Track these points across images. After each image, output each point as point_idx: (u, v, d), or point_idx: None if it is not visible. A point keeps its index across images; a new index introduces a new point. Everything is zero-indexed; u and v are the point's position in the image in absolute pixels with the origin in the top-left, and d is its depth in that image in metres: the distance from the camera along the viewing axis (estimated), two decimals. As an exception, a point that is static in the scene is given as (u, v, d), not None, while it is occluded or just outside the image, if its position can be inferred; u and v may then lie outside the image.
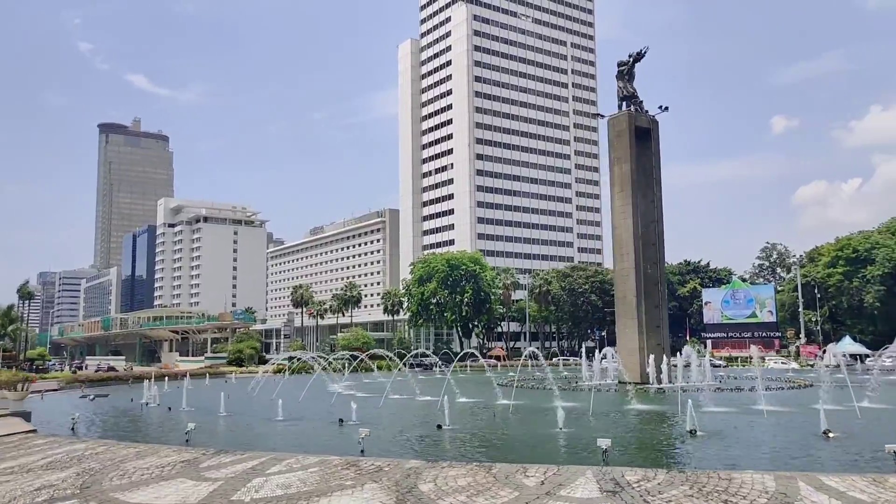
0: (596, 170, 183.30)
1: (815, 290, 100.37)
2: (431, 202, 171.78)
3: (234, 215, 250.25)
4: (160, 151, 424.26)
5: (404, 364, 45.56)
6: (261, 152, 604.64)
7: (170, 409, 30.16)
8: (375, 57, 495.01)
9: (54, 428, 23.31)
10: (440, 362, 55.53)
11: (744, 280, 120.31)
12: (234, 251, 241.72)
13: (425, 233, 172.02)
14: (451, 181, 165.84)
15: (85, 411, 27.47)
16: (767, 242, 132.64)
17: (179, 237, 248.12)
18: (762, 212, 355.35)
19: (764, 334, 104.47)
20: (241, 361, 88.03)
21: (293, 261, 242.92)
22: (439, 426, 21.66)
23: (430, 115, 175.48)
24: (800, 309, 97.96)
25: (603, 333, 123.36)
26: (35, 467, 15.49)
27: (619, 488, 11.63)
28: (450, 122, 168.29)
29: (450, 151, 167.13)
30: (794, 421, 24.16)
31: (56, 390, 46.50)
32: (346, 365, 52.47)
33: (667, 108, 46.72)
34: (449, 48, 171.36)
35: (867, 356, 78.92)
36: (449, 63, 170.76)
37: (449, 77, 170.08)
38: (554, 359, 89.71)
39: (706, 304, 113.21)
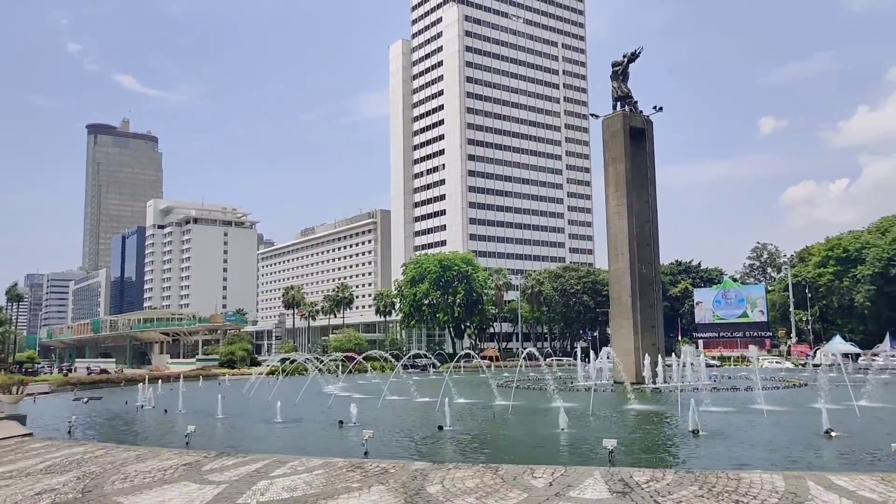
0: (587, 170, 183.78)
1: (806, 290, 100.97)
2: (423, 203, 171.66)
3: (224, 216, 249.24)
4: (149, 152, 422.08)
5: (402, 365, 45.45)
6: (251, 153, 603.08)
7: (166, 411, 29.90)
8: (366, 58, 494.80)
9: (50, 431, 23.04)
10: (436, 363, 55.46)
11: (735, 280, 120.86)
12: (225, 252, 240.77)
13: (417, 233, 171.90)
14: (442, 182, 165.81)
15: (79, 414, 27.16)
16: (758, 242, 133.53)
17: (169, 238, 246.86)
18: (751, 212, 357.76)
19: (755, 334, 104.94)
20: (233, 363, 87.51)
21: (284, 262, 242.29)
22: (440, 427, 21.57)
23: (422, 116, 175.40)
24: (790, 309, 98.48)
25: (595, 334, 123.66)
26: (34, 471, 15.28)
27: (628, 489, 11.58)
28: (441, 122, 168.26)
29: (441, 152, 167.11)
30: (794, 420, 24.22)
31: (47, 393, 46.08)
32: (340, 366, 52.29)
33: (661, 109, 46.88)
34: (440, 49, 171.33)
35: (858, 355, 79.36)
36: (440, 64, 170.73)
37: (440, 78, 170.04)
38: (547, 359, 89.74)
39: (697, 304, 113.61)
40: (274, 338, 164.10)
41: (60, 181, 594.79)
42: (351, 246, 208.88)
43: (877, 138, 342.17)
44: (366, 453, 16.28)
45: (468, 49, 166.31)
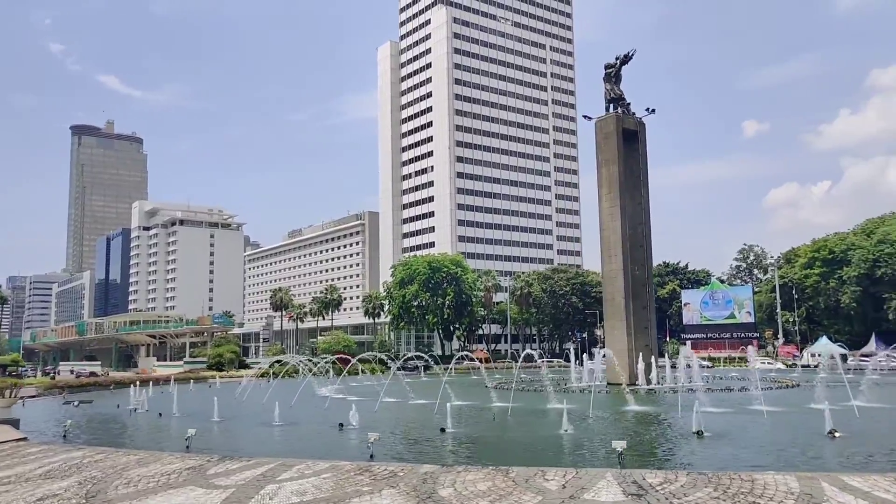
0: (574, 172, 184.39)
1: (793, 291, 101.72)
2: (411, 204, 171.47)
3: (211, 218, 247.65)
4: (134, 153, 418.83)
5: (399, 367, 45.25)
6: (237, 155, 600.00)
7: (160, 414, 29.52)
8: (354, 59, 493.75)
9: (44, 435, 22.68)
10: (432, 364, 55.26)
11: (722, 281, 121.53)
12: (211, 254, 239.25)
13: (405, 235, 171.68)
14: (431, 183, 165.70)
15: (71, 418, 26.74)
16: (745, 244, 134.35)
17: (155, 240, 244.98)
18: (735, 213, 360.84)
19: (742, 335, 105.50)
20: (222, 366, 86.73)
21: (271, 264, 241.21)
22: (442, 429, 21.44)
23: (410, 118, 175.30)
24: (777, 310, 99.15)
25: (584, 335, 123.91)
26: (33, 476, 14.99)
27: (642, 491, 11.50)
28: (430, 124, 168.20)
29: (430, 154, 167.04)
30: (794, 421, 24.29)
31: (34, 397, 45.41)
32: (332, 368, 51.95)
33: (653, 111, 47.00)
34: (429, 51, 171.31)
35: (845, 356, 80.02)
36: (429, 65, 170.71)
37: (429, 79, 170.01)
38: (538, 360, 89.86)
39: (685, 305, 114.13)
40: (261, 340, 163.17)
41: (43, 182, 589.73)
42: (339, 248, 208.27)
43: (858, 141, 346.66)
44: (371, 456, 16.11)
45: (456, 51, 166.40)
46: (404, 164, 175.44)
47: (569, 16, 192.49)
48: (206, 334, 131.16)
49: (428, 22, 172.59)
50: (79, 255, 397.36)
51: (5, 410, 22.40)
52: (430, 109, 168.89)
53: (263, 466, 14.75)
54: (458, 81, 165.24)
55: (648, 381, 40.92)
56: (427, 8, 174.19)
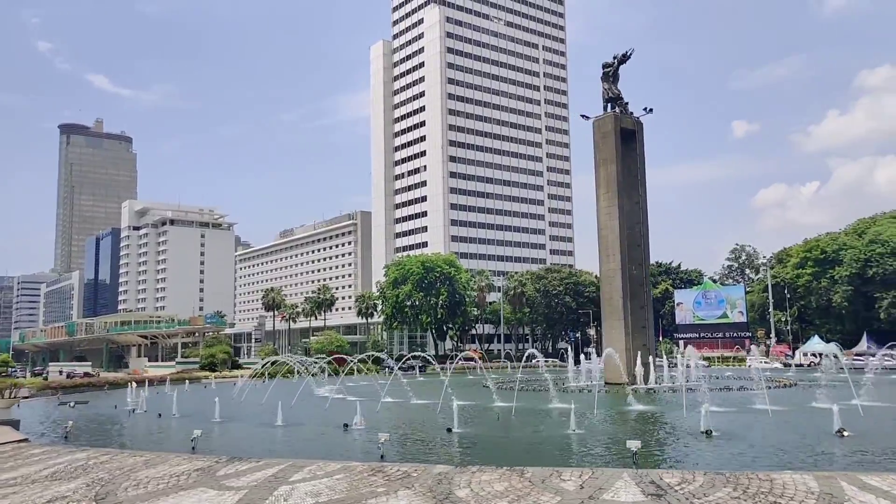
0: (567, 172, 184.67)
1: (785, 291, 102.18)
2: (404, 204, 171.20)
3: (201, 218, 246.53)
4: (123, 153, 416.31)
5: (401, 367, 45.13)
6: (227, 155, 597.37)
7: (160, 415, 29.25)
8: (346, 58, 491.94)
9: (44, 437, 22.41)
10: (426, 364, 55.11)
11: (714, 281, 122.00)
12: (202, 254, 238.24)
13: (398, 235, 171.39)
14: (423, 183, 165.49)
15: (69, 419, 26.45)
16: (737, 244, 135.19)
17: (145, 240, 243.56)
18: (725, 213, 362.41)
19: (735, 334, 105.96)
20: (214, 366, 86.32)
21: (262, 264, 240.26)
22: (449, 430, 21.32)
23: (403, 117, 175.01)
24: (770, 309, 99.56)
25: (577, 335, 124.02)
26: (39, 478, 14.78)
27: (661, 491, 11.44)
28: (423, 123, 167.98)
29: (423, 153, 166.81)
30: (800, 420, 24.29)
31: (28, 397, 44.96)
32: (326, 368, 51.68)
33: (651, 110, 47.05)
34: (422, 50, 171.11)
35: (835, 355, 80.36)
36: (422, 65, 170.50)
37: (422, 79, 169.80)
38: (533, 360, 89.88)
39: (678, 304, 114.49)
40: (253, 340, 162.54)
41: (31, 181, 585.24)
42: (331, 248, 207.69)
43: (846, 142, 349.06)
44: (382, 457, 15.98)
45: (449, 50, 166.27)
46: (397, 163, 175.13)
47: (561, 16, 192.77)
48: (197, 335, 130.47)
49: (421, 21, 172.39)
50: (67, 254, 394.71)
51: (5, 411, 22.10)
52: (422, 109, 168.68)
53: (274, 467, 14.60)
54: (451, 81, 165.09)
55: (647, 381, 40.91)
56: (420, 7, 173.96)
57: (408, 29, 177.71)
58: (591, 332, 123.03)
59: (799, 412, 26.48)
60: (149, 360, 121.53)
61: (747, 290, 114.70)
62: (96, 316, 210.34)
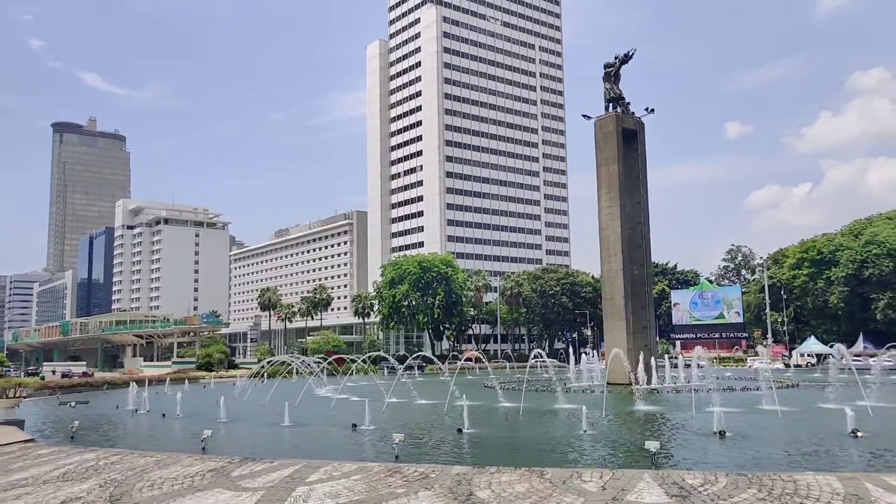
0: (563, 172, 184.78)
1: (781, 292, 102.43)
2: (401, 204, 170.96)
3: (196, 217, 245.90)
4: (116, 152, 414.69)
5: (407, 367, 45.02)
6: (222, 154, 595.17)
7: (164, 415, 29.03)
8: (342, 58, 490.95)
9: (48, 437, 22.20)
10: (425, 364, 55.11)
11: (710, 282, 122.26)
12: (196, 254, 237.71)
13: (394, 235, 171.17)
14: (420, 183, 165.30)
15: (72, 419, 26.21)
16: (733, 245, 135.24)
17: (139, 239, 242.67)
18: (718, 214, 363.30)
19: (731, 335, 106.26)
20: (211, 366, 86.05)
21: (257, 264, 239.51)
22: (459, 430, 21.21)
23: (399, 117, 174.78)
24: (766, 310, 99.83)
25: (574, 335, 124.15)
26: (50, 479, 14.62)
27: (685, 493, 11.35)
28: (419, 123, 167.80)
29: (419, 153, 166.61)
30: (811, 420, 24.23)
31: (25, 398, 44.60)
32: (324, 368, 51.52)
33: (653, 110, 47.00)
34: (418, 49, 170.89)
35: (830, 356, 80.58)
36: (418, 64, 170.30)
37: (418, 78, 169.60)
38: (532, 360, 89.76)
39: (675, 305, 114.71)
40: (249, 340, 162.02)
41: (24, 180, 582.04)
42: (326, 247, 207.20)
43: (838, 143, 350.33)
44: (397, 457, 15.86)
45: (446, 50, 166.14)
46: (393, 163, 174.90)
47: (558, 16, 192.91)
48: (192, 334, 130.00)
49: (417, 21, 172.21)
50: (60, 254, 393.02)
51: (10, 411, 21.85)
52: (419, 108, 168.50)
53: (289, 468, 14.46)
54: (447, 81, 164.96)
55: (649, 381, 40.85)
56: (417, 7, 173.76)
57: (404, 28, 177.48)
58: (588, 332, 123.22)
59: (808, 413, 26.42)
60: (144, 360, 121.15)
61: (744, 290, 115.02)
62: (90, 316, 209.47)
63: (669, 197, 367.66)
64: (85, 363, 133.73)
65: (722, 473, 12.63)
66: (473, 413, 24.67)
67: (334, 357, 57.74)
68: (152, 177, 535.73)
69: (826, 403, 28.07)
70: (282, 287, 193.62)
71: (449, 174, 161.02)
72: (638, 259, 45.69)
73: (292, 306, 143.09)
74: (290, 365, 56.72)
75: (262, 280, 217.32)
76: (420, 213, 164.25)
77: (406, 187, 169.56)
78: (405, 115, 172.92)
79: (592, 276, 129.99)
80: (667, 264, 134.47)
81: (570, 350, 60.93)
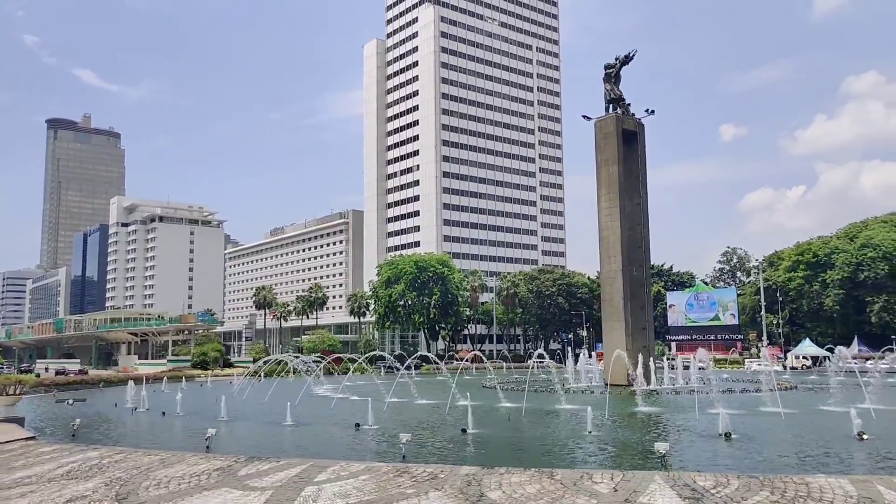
0: (559, 173, 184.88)
1: (777, 294, 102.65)
2: (397, 203, 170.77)
3: (191, 215, 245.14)
4: (111, 149, 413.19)
5: (407, 367, 44.92)
6: (217, 152, 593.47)
7: (164, 413, 28.85)
8: (339, 56, 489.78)
9: (48, 434, 22.03)
10: (440, 364, 55.15)
11: (706, 283, 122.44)
12: (191, 252, 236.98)
13: (390, 234, 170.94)
14: (416, 182, 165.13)
15: (71, 416, 26.04)
16: (728, 247, 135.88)
17: (133, 237, 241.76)
18: (711, 217, 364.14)
19: (727, 337, 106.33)
20: (206, 364, 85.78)
21: (252, 262, 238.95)
22: (464, 430, 21.13)
23: (396, 116, 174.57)
24: (762, 312, 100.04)
25: (569, 336, 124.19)
26: (55, 476, 14.50)
27: (697, 495, 11.30)
28: (416, 123, 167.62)
29: (416, 153, 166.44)
30: (814, 422, 24.22)
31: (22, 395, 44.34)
32: (321, 367, 51.39)
33: (653, 112, 47.01)
34: (416, 49, 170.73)
35: (826, 358, 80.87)
36: (416, 64, 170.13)
37: (416, 78, 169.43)
38: (528, 361, 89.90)
39: (670, 306, 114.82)
40: (244, 339, 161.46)
41: (17, 176, 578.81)
42: (322, 246, 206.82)
43: (833, 147, 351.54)
44: (404, 457, 15.78)
45: (444, 50, 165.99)
46: (390, 162, 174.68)
47: (555, 17, 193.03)
48: (186, 332, 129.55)
49: (415, 20, 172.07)
50: (53, 250, 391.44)
51: (9, 409, 21.67)
52: (416, 108, 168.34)
53: (296, 468, 14.37)
54: (444, 81, 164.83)
55: (649, 383, 40.82)
56: (414, 6, 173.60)
57: (402, 28, 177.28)
58: (583, 333, 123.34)
59: (811, 415, 26.42)
60: (139, 358, 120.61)
61: (739, 292, 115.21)
62: (83, 313, 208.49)
63: (663, 198, 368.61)
64: (79, 361, 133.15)
65: (733, 475, 12.59)
66: (475, 413, 24.58)
67: (334, 358, 57.60)
68: (147, 174, 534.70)
69: (827, 406, 28.10)
70: (277, 286, 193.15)
71: (445, 174, 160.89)
72: (637, 260, 45.70)
73: (287, 305, 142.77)
74: (286, 364, 56.63)
75: (257, 279, 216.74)
76: (416, 213, 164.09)
77: (402, 186, 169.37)
78: (402, 114, 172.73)
79: (588, 277, 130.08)
80: (662, 265, 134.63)
81: (570, 351, 60.84)
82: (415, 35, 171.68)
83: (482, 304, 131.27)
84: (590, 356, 59.28)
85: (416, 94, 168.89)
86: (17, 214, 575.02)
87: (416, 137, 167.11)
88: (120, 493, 12.76)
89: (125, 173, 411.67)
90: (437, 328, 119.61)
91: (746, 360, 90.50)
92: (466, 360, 64.47)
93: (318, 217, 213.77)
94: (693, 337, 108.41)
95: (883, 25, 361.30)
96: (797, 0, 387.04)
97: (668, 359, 46.81)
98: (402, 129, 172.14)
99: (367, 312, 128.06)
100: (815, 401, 31.70)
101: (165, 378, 48.16)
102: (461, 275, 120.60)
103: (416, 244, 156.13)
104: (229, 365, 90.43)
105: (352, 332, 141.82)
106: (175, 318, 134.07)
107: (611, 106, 47.20)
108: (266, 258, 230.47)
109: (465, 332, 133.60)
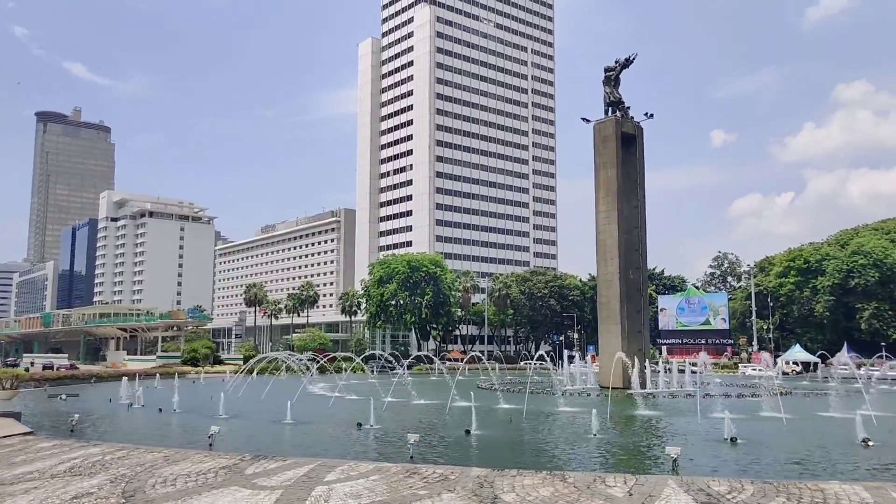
0: (552, 175, 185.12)
1: (767, 299, 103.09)
2: (389, 203, 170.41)
3: (181, 210, 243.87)
4: (101, 143, 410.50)
5: (406, 366, 44.75)
6: (209, 148, 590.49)
7: (160, 410, 28.58)
8: (334, 55, 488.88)
9: (44, 429, 21.73)
10: (441, 367, 54.97)
11: (697, 288, 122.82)
12: (180, 248, 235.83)
13: (382, 233, 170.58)
14: (409, 182, 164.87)
15: (69, 412, 25.76)
16: (719, 252, 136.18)
17: (122, 232, 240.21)
18: (700, 222, 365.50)
19: (717, 341, 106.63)
20: (196, 361, 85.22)
21: (242, 259, 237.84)
22: (467, 431, 21.01)
23: (390, 116, 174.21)
24: (752, 317, 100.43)
25: (560, 338, 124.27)
26: (57, 473, 14.28)
27: (713, 500, 11.26)
28: (410, 122, 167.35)
29: (409, 152, 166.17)
30: (817, 428, 24.27)
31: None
32: (314, 366, 51.18)
33: (652, 115, 47.09)
34: (411, 49, 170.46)
35: (816, 364, 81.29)
36: (411, 63, 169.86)
37: (410, 77, 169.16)
38: (522, 362, 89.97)
39: (661, 310, 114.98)
40: (234, 336, 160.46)
41: (6, 169, 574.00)
42: (313, 244, 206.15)
43: (821, 154, 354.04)
44: (411, 458, 15.65)
45: (439, 50, 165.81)
46: (383, 161, 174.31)
47: (550, 19, 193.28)
48: (178, 329, 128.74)
49: (411, 20, 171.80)
50: (41, 244, 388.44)
51: (6, 403, 21.35)
52: (410, 108, 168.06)
53: (303, 467, 14.23)
54: (439, 81, 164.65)
55: (644, 386, 40.85)
56: (410, 6, 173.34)
57: (397, 27, 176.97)
58: (574, 335, 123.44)
59: (812, 421, 26.49)
60: (127, 354, 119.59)
61: (730, 297, 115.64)
62: (71, 307, 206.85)
63: (654, 201, 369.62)
64: (66, 355, 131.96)
65: (748, 481, 12.56)
66: (476, 414, 24.53)
67: (328, 357, 57.35)
68: (137, 170, 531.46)
69: (825, 412, 28.17)
70: (267, 283, 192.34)
71: (439, 174, 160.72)
72: (634, 263, 45.73)
73: (278, 303, 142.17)
74: (279, 362, 56.28)
75: (247, 276, 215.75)
76: (409, 213, 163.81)
77: (395, 186, 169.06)
78: (396, 113, 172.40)
79: (580, 280, 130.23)
80: (654, 269, 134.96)
81: (567, 353, 60.74)
82: (410, 35, 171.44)
83: (474, 304, 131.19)
84: (584, 359, 59.40)
85: (410, 93, 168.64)
86: (5, 207, 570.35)
87: (409, 137, 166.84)
88: (126, 490, 12.57)
89: (115, 168, 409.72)
90: (429, 328, 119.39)
91: (740, 365, 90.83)
92: (457, 361, 64.29)
93: (309, 215, 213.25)
94: (684, 341, 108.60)
95: (873, 35, 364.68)
96: (789, 8, 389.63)
97: (664, 363, 46.75)
98: (395, 128, 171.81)
99: (359, 311, 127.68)
100: (811, 406, 31.80)
101: (158, 374, 47.73)
102: (453, 275, 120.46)
103: (409, 244, 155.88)
104: (219, 362, 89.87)
105: (342, 330, 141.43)
106: (165, 314, 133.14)
107: (610, 109, 47.21)
108: (257, 255, 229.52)
109: (457, 332, 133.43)
